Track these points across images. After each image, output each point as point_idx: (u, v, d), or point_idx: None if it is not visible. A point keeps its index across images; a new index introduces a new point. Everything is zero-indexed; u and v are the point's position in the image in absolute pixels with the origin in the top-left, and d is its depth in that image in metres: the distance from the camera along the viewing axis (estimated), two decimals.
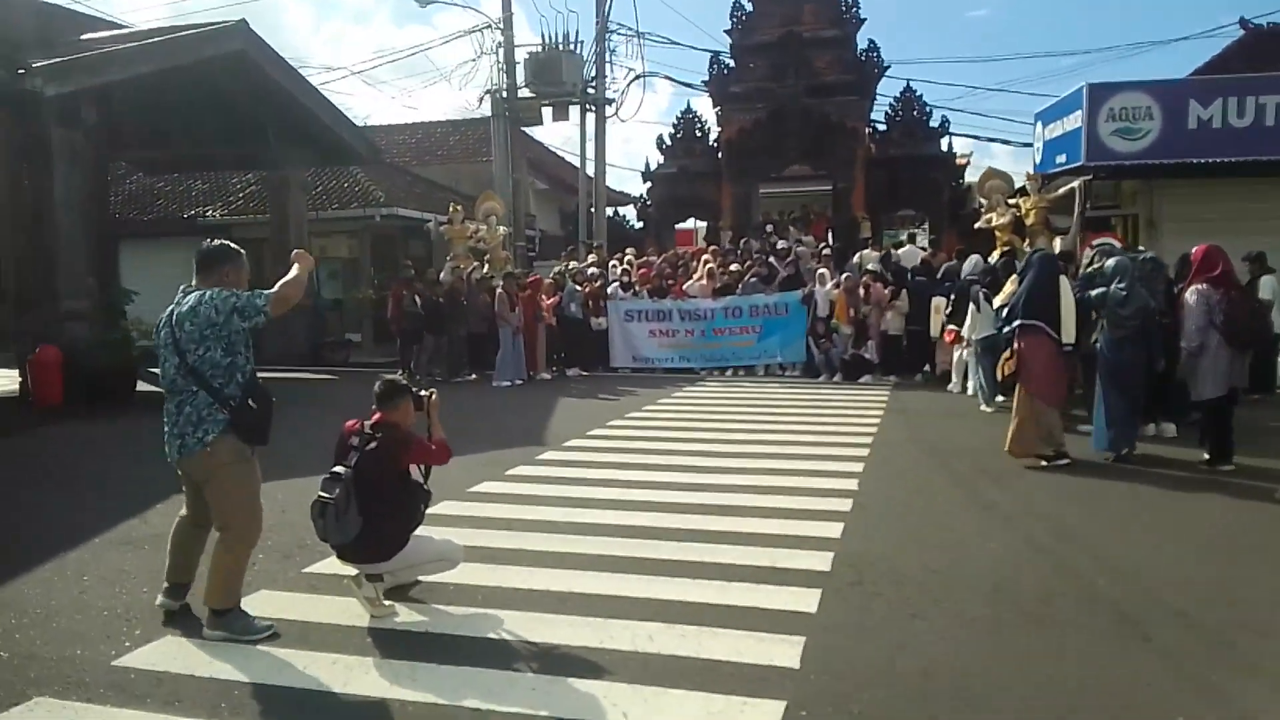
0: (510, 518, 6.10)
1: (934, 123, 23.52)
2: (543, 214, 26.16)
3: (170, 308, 4.09)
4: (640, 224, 26.31)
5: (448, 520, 5.78)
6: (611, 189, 25.92)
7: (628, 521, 5.93)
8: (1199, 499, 6.53)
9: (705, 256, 15.83)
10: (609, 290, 14.88)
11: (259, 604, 4.45)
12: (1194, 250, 8.09)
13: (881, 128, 24.04)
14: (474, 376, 14.53)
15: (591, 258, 16.76)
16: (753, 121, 23.88)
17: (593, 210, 22.98)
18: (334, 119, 16.67)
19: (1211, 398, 7.49)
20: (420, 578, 4.64)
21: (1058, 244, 14.07)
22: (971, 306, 11.48)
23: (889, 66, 23.46)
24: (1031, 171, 14.60)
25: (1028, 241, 14.38)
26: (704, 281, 14.64)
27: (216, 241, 4.26)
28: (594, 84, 21.41)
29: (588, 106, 21.50)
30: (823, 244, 17.23)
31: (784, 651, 3.84)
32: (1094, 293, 8.02)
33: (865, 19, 22.62)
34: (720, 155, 24.71)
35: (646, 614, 4.31)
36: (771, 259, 15.19)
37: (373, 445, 4.38)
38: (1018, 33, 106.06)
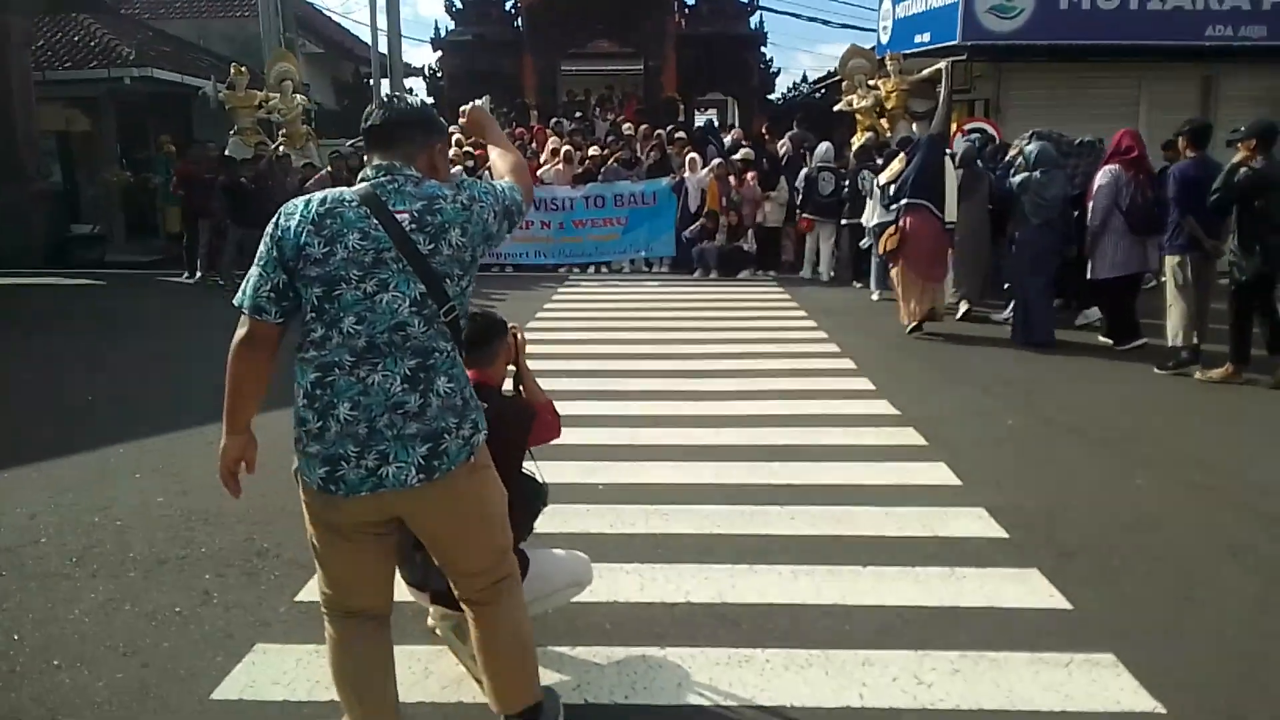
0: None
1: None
2: (315, 84, 22.67)
3: (354, 193, 2.18)
4: (431, 99, 23.65)
5: None
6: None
7: (689, 479, 4.65)
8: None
9: (552, 138, 14.03)
10: (452, 175, 12.77)
11: (272, 670, 2.94)
12: (1117, 134, 8.20)
13: (690, 2, 22.82)
14: None
15: None
16: None
17: (383, 81, 20.07)
18: None
19: (1105, 278, 7.80)
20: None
21: (915, 129, 13.82)
22: (870, 197, 10.96)
23: None
24: (891, 53, 14.00)
25: (887, 126, 13.99)
26: (560, 167, 12.94)
27: (411, 99, 2.43)
28: None
29: None
30: (672, 126, 15.83)
31: (1119, 686, 2.82)
32: (1016, 179, 8.08)
33: None
34: (519, 23, 22.50)
35: (867, 633, 3.14)
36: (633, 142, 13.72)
37: None
38: None
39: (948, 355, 7.69)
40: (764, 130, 16.83)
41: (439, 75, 23.19)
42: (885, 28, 15.34)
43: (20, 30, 13.17)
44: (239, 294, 2.17)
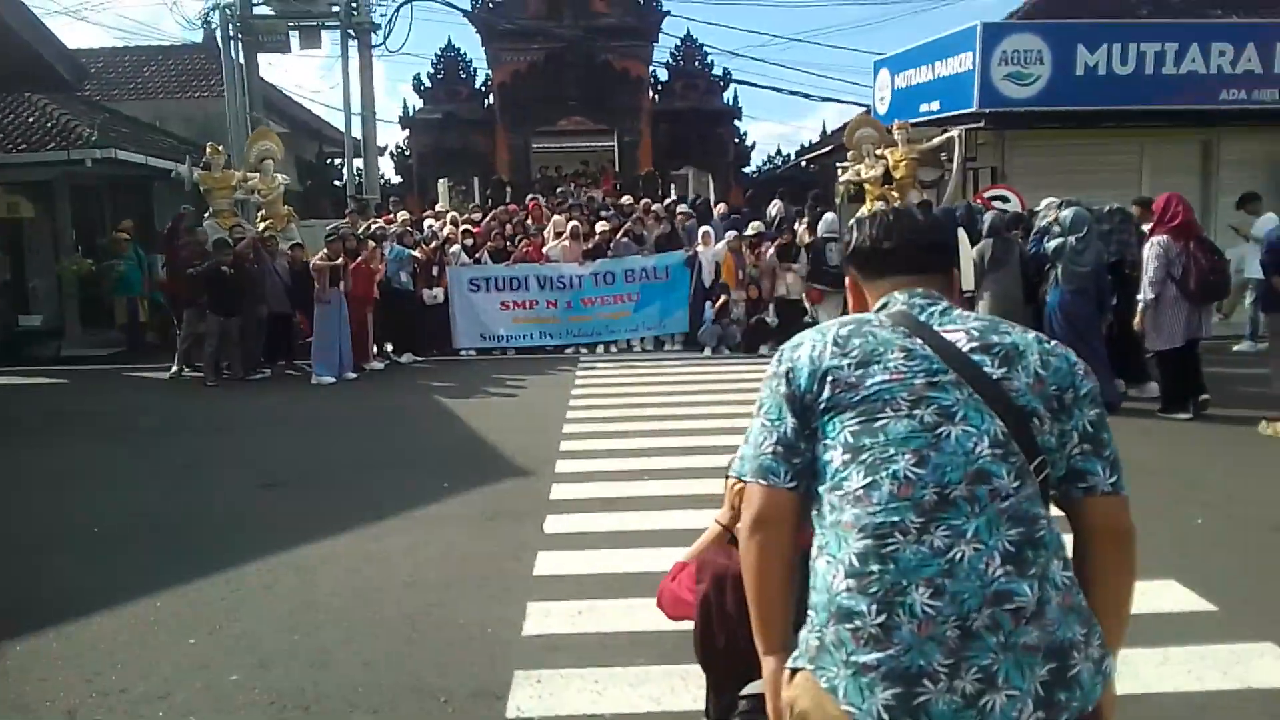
0: None
1: (716, 74, 22.55)
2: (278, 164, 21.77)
3: (880, 314, 1.62)
4: (399, 178, 22.96)
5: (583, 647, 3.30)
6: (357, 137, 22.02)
7: None
8: None
9: (557, 216, 13.35)
10: (450, 254, 11.97)
11: None
12: (1156, 200, 8.04)
13: (663, 78, 22.69)
14: (269, 373, 11.11)
15: (403, 215, 13.57)
16: (527, 64, 21.59)
17: (355, 160, 19.33)
18: (27, 27, 11.98)
19: (1164, 349, 7.57)
20: None
21: (925, 197, 13.48)
22: None
23: (668, 12, 22.05)
24: (900, 121, 13.69)
25: (897, 195, 13.62)
26: (568, 243, 12.21)
27: (922, 213, 2.08)
28: (355, 5, 17.69)
29: (349, 33, 17.75)
30: (672, 201, 15.28)
31: None
32: (1050, 244, 7.95)
33: None
34: (491, 101, 22.09)
35: None
36: (640, 216, 13.09)
37: None
38: None
39: None
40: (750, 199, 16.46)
41: (407, 154, 22.53)
42: (883, 98, 15.14)
43: None
44: (735, 464, 1.59)
